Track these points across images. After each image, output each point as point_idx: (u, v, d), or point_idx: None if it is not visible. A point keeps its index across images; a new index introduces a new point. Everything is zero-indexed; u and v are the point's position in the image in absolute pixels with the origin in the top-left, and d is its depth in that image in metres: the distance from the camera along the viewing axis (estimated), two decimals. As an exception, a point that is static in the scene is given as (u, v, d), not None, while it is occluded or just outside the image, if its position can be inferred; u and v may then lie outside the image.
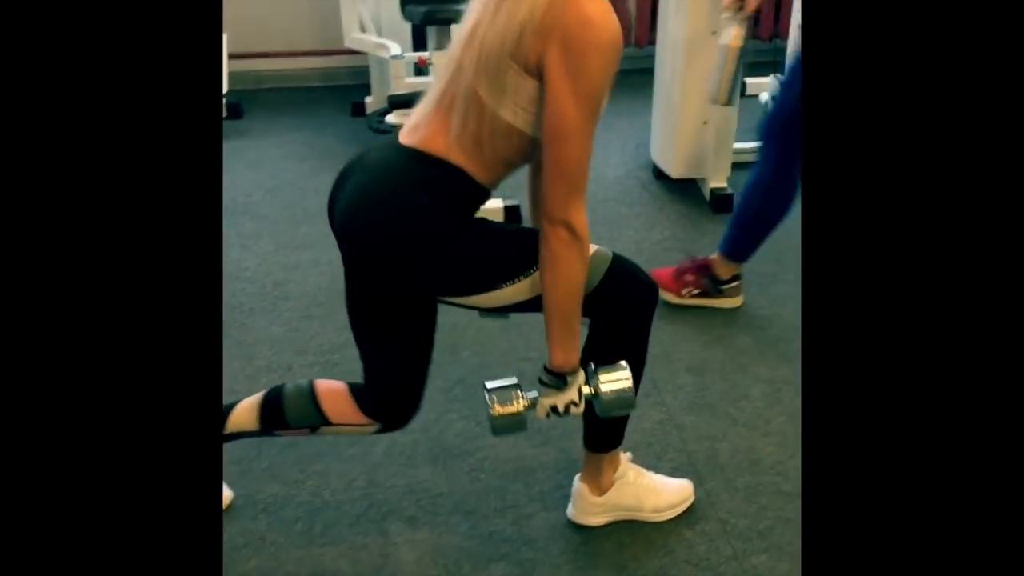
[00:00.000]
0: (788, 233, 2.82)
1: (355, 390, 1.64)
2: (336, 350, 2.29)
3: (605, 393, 1.50)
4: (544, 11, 1.26)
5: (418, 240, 1.39)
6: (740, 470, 1.92)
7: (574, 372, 1.48)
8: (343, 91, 3.68)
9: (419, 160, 1.40)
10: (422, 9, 2.96)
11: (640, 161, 3.39)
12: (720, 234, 2.80)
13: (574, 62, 1.27)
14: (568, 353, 1.46)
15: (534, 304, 1.47)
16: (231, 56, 3.60)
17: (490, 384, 1.54)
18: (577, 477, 1.78)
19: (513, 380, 1.54)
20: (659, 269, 2.47)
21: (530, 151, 1.41)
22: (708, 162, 3.01)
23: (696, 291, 2.43)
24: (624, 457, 1.78)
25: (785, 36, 4.10)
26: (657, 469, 1.87)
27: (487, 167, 1.40)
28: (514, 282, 1.45)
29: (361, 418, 1.62)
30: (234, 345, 2.33)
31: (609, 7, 1.29)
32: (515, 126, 1.35)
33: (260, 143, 3.56)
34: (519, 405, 1.51)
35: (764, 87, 3.60)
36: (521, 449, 1.98)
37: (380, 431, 1.65)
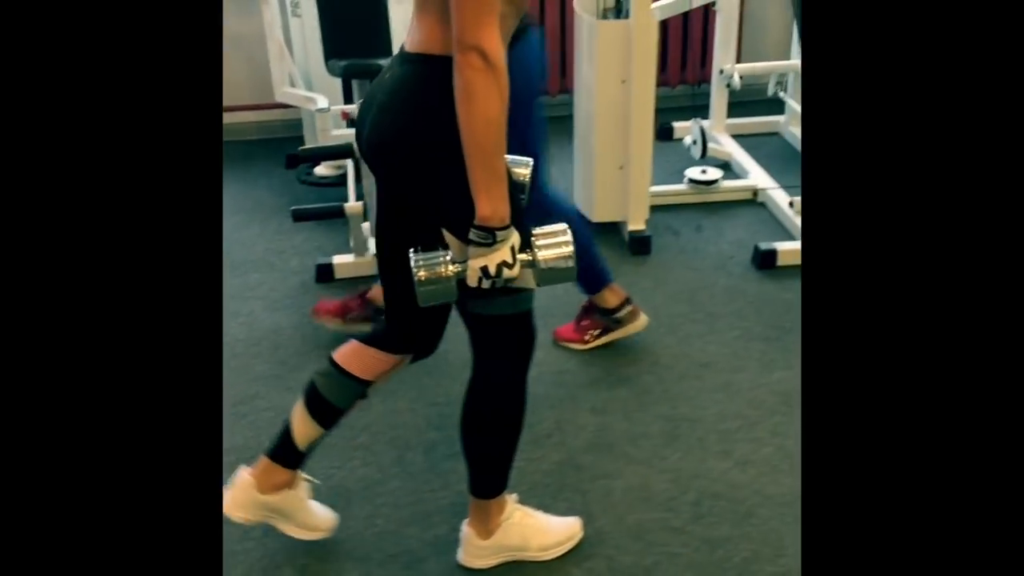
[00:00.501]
0: (700, 274, 2.90)
1: (373, 338, 1.72)
2: (246, 401, 2.32)
3: (543, 259, 1.41)
4: None
5: (433, 139, 1.38)
6: (631, 507, 1.96)
7: (505, 227, 1.37)
8: (278, 143, 3.74)
9: (417, 63, 1.41)
10: (342, 63, 3.04)
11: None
12: (638, 275, 2.87)
13: None
14: (495, 202, 1.35)
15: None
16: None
17: (415, 250, 1.44)
18: (465, 522, 1.82)
19: (441, 248, 1.45)
20: (560, 327, 2.53)
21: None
22: (626, 205, 3.08)
23: (597, 331, 2.48)
24: (511, 499, 1.82)
25: (693, 82, 4.20)
26: (551, 509, 1.90)
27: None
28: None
29: (390, 359, 1.70)
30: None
31: None
32: None
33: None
34: (446, 270, 1.41)
35: (687, 131, 3.70)
36: (420, 494, 2.01)
37: (415, 360, 1.73)
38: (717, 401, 2.30)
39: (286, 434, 1.74)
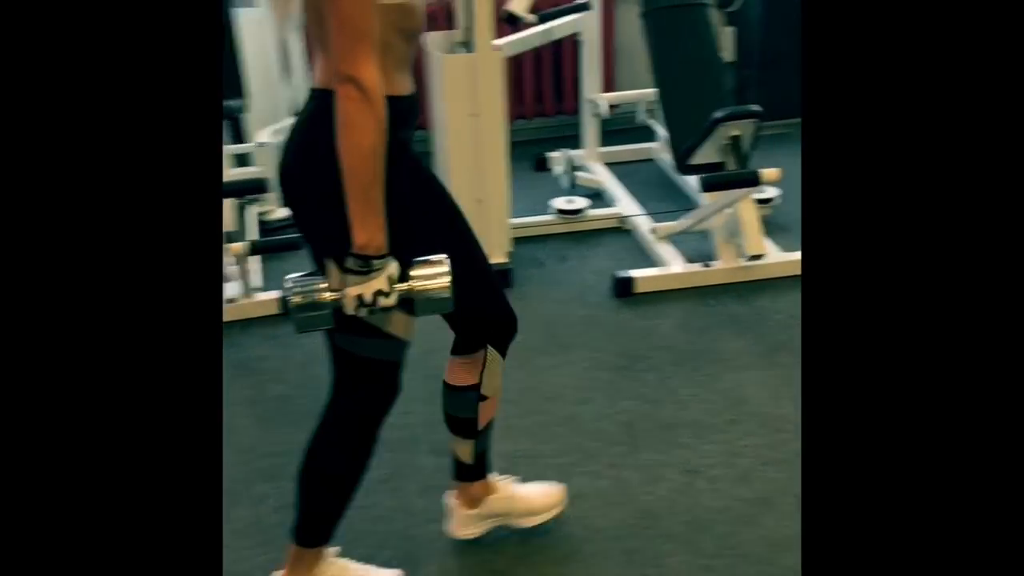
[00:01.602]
0: (559, 304, 2.87)
1: (454, 348, 1.77)
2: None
3: (420, 288, 1.41)
4: None
5: (319, 170, 1.39)
6: (458, 552, 1.91)
7: (381, 256, 1.38)
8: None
9: (314, 98, 1.45)
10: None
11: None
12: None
13: None
14: (371, 232, 1.35)
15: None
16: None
17: (290, 276, 1.43)
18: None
19: (316, 274, 1.44)
20: None
21: (395, 23, 1.38)
22: (486, 239, 3.05)
23: None
24: (330, 553, 1.75)
25: (571, 112, 4.19)
26: (374, 560, 1.84)
27: None
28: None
29: (476, 359, 1.75)
30: None
31: None
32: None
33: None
34: (322, 296, 1.39)
35: (558, 161, 3.70)
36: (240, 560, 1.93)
37: (504, 344, 1.78)
38: (559, 435, 2.26)
39: (454, 457, 1.87)
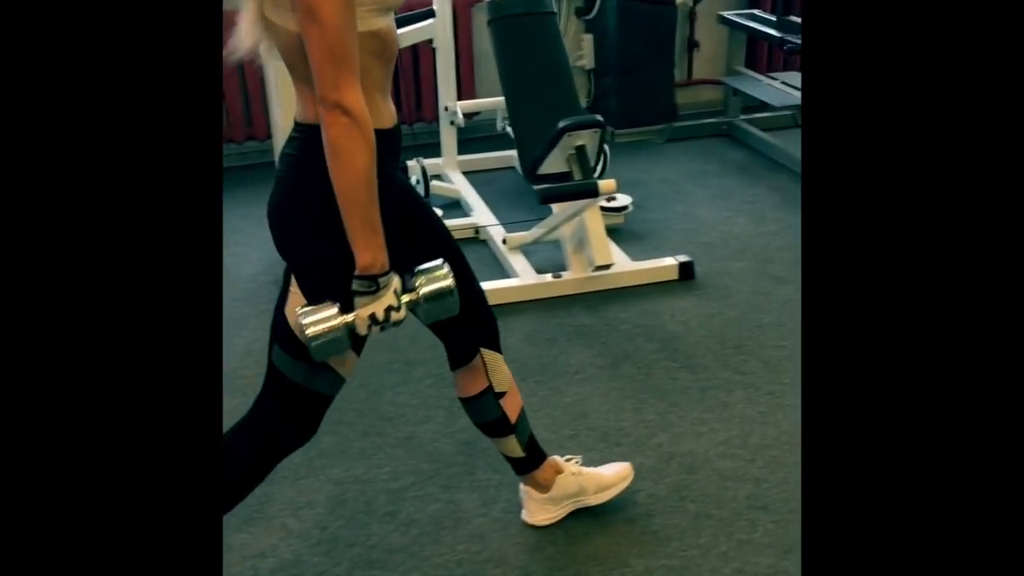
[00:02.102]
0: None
1: (451, 362, 1.77)
2: None
3: (425, 295, 1.45)
4: None
5: (304, 202, 1.44)
6: (276, 588, 1.81)
7: (385, 273, 1.41)
8: None
9: (295, 131, 1.46)
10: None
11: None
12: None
13: None
14: (374, 251, 1.39)
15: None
16: None
17: (302, 307, 1.45)
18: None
19: (329, 301, 1.44)
20: None
21: (373, 50, 1.39)
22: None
23: None
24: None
25: (431, 120, 4.13)
26: None
27: None
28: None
29: (476, 366, 1.74)
30: None
31: None
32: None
33: None
34: (336, 322, 1.41)
35: (413, 170, 3.63)
36: None
37: (496, 343, 1.77)
38: (395, 457, 2.18)
39: (506, 457, 1.89)
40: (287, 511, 2.01)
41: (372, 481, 2.10)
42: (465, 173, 3.78)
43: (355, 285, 1.41)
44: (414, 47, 3.87)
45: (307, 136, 1.42)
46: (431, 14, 3.34)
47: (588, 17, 4.06)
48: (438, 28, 3.40)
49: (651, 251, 3.18)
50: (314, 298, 1.45)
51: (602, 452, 2.18)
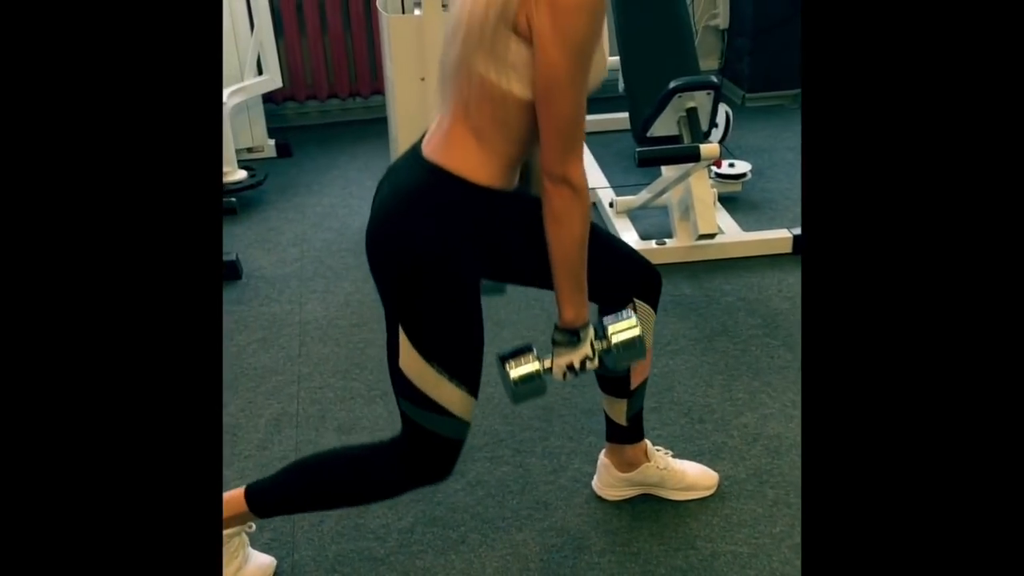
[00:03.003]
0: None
1: (602, 312, 1.68)
2: None
3: (616, 344, 1.51)
4: None
5: (423, 264, 1.43)
6: (338, 538, 1.83)
7: (585, 326, 1.50)
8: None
9: (437, 174, 1.43)
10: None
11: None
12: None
13: (562, 19, 1.29)
14: (578, 308, 1.48)
15: (406, 386, 1.50)
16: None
17: (503, 352, 1.53)
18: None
19: (526, 344, 1.54)
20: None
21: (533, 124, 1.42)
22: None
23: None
24: (243, 536, 1.72)
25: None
26: (255, 539, 1.77)
27: (503, 156, 1.42)
28: (429, 364, 1.46)
29: None
30: None
31: None
32: (520, 96, 1.36)
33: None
34: (536, 367, 1.50)
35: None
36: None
37: (653, 297, 1.71)
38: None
39: (607, 417, 1.85)
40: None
41: (446, 439, 2.10)
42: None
43: (556, 336, 1.51)
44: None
45: (444, 183, 1.42)
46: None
47: (723, -26, 3.88)
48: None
49: (766, 222, 3.03)
50: (426, 340, 1.46)
51: (683, 428, 2.10)
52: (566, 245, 1.42)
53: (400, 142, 2.87)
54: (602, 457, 1.91)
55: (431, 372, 1.47)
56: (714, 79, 2.59)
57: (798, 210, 3.12)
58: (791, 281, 2.70)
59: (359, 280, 2.82)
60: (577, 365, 1.51)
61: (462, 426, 1.54)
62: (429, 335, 1.47)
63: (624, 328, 1.52)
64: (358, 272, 2.86)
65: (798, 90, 4.09)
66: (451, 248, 1.43)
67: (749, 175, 3.21)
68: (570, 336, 1.49)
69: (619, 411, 1.80)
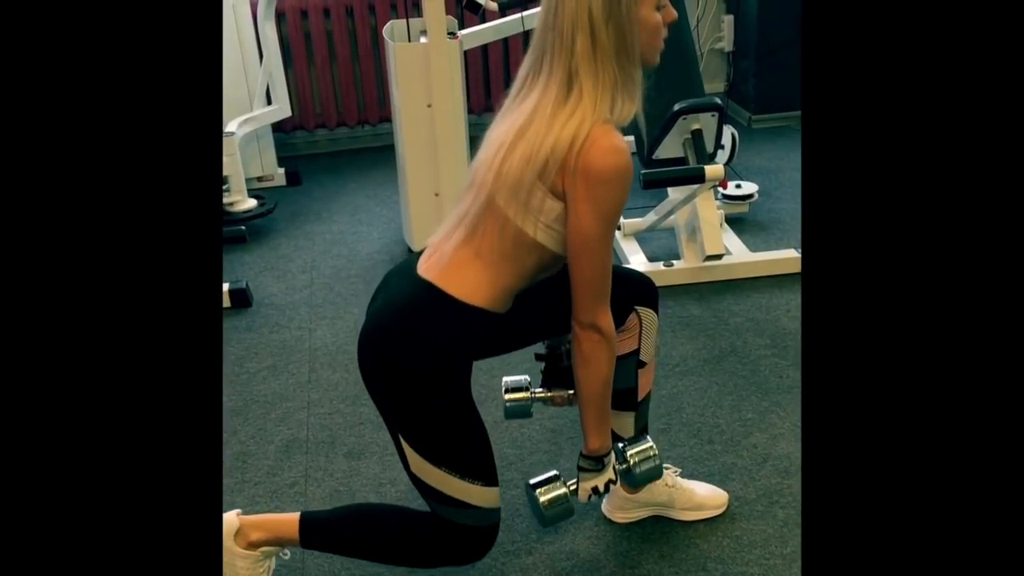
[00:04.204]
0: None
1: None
2: None
3: (637, 464, 1.66)
4: (566, 147, 1.39)
5: (414, 382, 1.48)
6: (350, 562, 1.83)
7: (609, 453, 1.62)
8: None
9: (430, 293, 1.48)
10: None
11: (398, 236, 3.35)
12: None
13: (597, 190, 1.40)
14: (603, 438, 1.59)
15: (428, 489, 1.54)
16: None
17: (533, 480, 1.64)
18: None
19: (553, 472, 1.66)
20: None
21: (549, 264, 1.51)
22: (444, 233, 2.97)
23: None
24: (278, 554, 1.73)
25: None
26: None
27: (502, 287, 1.49)
28: (439, 468, 1.51)
29: (631, 327, 1.74)
30: None
31: (620, 137, 1.42)
32: (539, 242, 1.45)
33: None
34: (564, 491, 1.62)
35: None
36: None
37: (653, 302, 1.75)
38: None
39: (613, 435, 1.83)
40: (370, 487, 2.04)
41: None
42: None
43: (582, 463, 1.62)
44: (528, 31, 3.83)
45: (436, 300, 1.47)
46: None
47: (728, -3, 3.91)
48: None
49: (773, 242, 3.03)
50: (430, 448, 1.50)
51: (692, 449, 2.09)
52: (593, 384, 1.53)
53: (408, 169, 2.89)
54: None
55: (443, 475, 1.51)
56: (717, 101, 2.61)
57: (806, 230, 3.12)
58: (799, 301, 2.70)
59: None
60: (602, 488, 1.63)
61: (491, 513, 1.57)
62: (430, 444, 1.51)
63: (642, 451, 1.67)
64: (367, 298, 2.87)
65: (804, 111, 4.10)
66: (443, 366, 1.48)
67: (756, 196, 3.22)
68: (595, 463, 1.61)
69: (627, 425, 1.80)
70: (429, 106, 2.80)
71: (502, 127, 1.48)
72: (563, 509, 1.62)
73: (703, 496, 1.90)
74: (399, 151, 3.05)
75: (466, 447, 1.53)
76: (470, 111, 3.81)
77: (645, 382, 1.78)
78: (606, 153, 1.38)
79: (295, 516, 1.64)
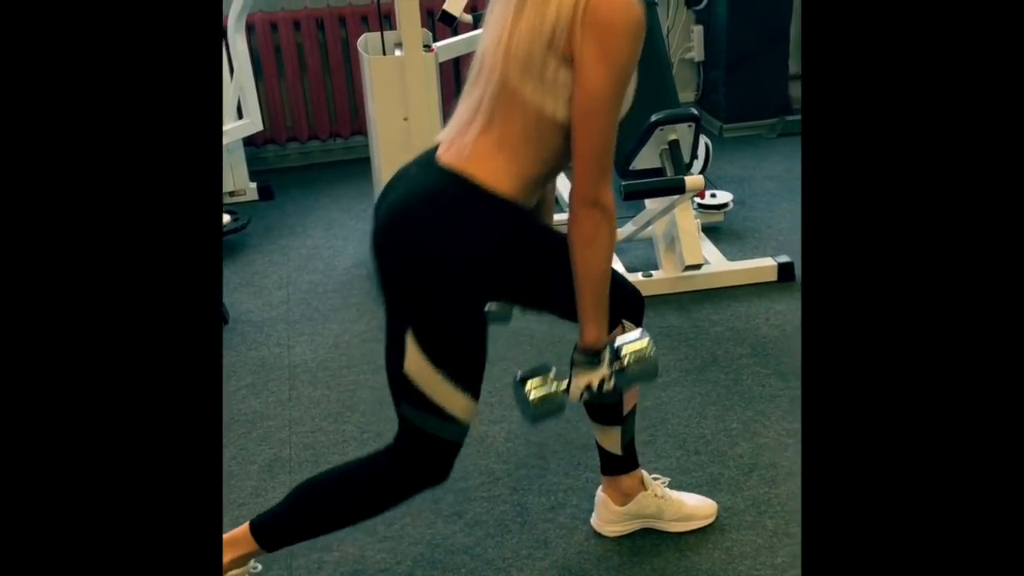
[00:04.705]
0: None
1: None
2: None
3: (630, 361, 1.51)
4: (571, 9, 1.34)
5: (440, 272, 1.44)
6: (337, 583, 1.81)
7: (605, 347, 1.52)
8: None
9: (458, 182, 1.43)
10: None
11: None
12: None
13: (607, 41, 1.34)
14: (600, 329, 1.50)
15: (413, 394, 1.49)
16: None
17: (522, 373, 1.53)
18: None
19: (544, 363, 1.56)
20: None
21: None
22: (421, 247, 2.95)
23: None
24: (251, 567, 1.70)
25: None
26: None
27: (528, 175, 1.44)
28: (437, 370, 1.46)
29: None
30: None
31: None
32: (560, 121, 1.39)
33: None
34: (556, 387, 1.52)
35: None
36: None
37: (638, 317, 1.70)
38: (465, 456, 2.14)
39: (601, 450, 1.84)
40: (356, 505, 2.02)
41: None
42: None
43: (577, 357, 1.52)
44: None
45: (464, 188, 1.42)
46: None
47: (698, 7, 3.93)
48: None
49: (750, 251, 3.05)
50: (437, 347, 1.46)
51: (679, 460, 2.09)
52: (592, 267, 1.44)
53: (384, 178, 2.87)
54: (599, 493, 1.89)
55: (437, 378, 1.47)
56: (694, 111, 2.63)
57: (781, 238, 3.14)
58: (778, 309, 2.72)
59: (347, 321, 2.81)
60: (595, 386, 1.52)
61: (463, 429, 1.54)
62: (441, 343, 1.47)
63: (639, 351, 1.53)
64: (346, 313, 2.85)
65: (774, 120, 4.14)
66: (471, 255, 1.44)
67: (731, 205, 3.24)
68: (591, 357, 1.51)
69: (613, 440, 1.80)
70: (405, 119, 2.79)
71: (499, 7, 1.42)
72: (554, 406, 1.53)
73: (692, 507, 1.90)
74: (375, 164, 3.03)
75: (471, 355, 1.50)
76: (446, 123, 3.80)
77: (630, 397, 1.78)
78: (615, 2, 1.34)
79: (243, 528, 1.61)
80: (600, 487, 1.89)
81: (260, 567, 1.69)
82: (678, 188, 2.51)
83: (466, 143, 1.44)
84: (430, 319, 1.46)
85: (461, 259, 1.44)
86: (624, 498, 1.86)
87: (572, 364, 1.54)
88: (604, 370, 1.52)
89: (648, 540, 1.87)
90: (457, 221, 1.43)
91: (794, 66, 4.20)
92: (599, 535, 1.89)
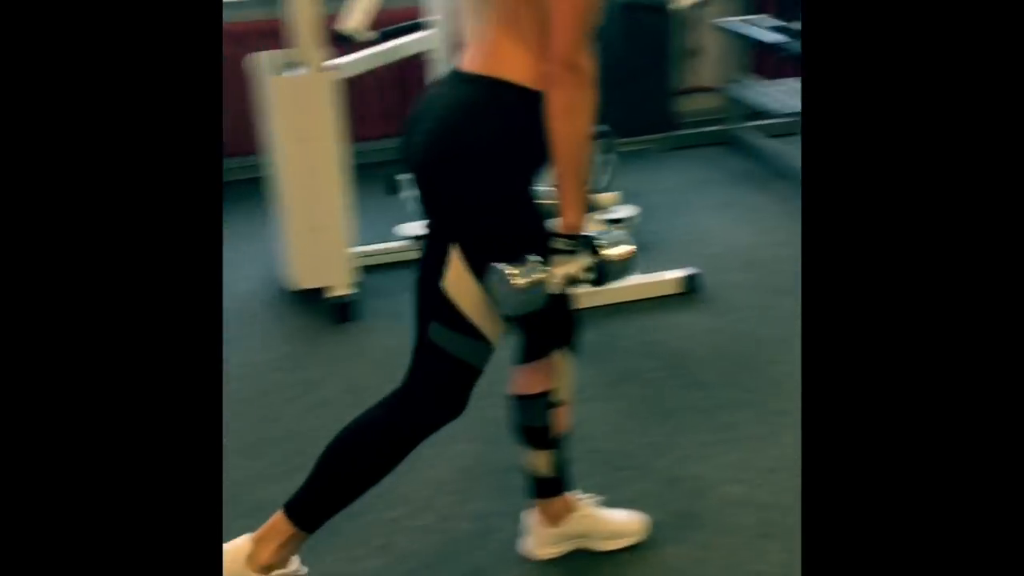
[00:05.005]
0: (407, 338, 2.69)
1: (523, 357, 1.69)
2: None
3: (609, 259, 1.47)
4: None
5: (483, 173, 1.43)
6: None
7: (584, 234, 1.49)
8: None
9: (490, 86, 1.42)
10: None
11: (273, 273, 3.22)
12: (339, 345, 2.66)
13: None
14: (581, 212, 1.46)
15: (454, 318, 1.49)
16: None
17: (498, 265, 1.44)
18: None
19: (523, 256, 1.47)
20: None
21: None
22: (323, 270, 2.88)
23: None
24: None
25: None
26: None
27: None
28: (479, 283, 1.46)
29: (545, 364, 1.68)
30: None
31: None
32: None
33: None
34: (541, 276, 1.43)
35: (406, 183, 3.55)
36: None
37: (572, 343, 1.68)
38: (386, 485, 2.09)
39: (531, 473, 1.81)
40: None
41: (363, 513, 2.00)
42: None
43: (559, 244, 1.46)
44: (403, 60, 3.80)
45: (499, 89, 1.42)
46: (417, 27, 3.25)
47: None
48: (438, 39, 3.32)
49: (655, 264, 3.11)
50: (483, 257, 1.45)
51: (606, 477, 2.10)
52: (572, 141, 1.39)
53: (289, 200, 2.79)
54: (530, 516, 1.88)
55: (478, 295, 1.48)
56: (606, 127, 2.65)
57: (684, 251, 3.21)
58: (685, 321, 2.78)
59: (252, 349, 2.71)
60: (577, 274, 1.48)
61: (488, 352, 1.55)
62: (488, 250, 1.46)
63: (616, 244, 1.51)
64: (247, 341, 2.75)
65: (664, 135, 4.24)
66: (515, 155, 1.44)
67: (637, 218, 3.29)
68: (573, 243, 1.47)
69: (544, 463, 1.79)
70: (306, 140, 2.71)
71: None
72: (537, 296, 1.43)
73: (619, 524, 1.91)
74: (277, 184, 2.94)
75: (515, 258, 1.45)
76: (356, 139, 3.71)
77: (562, 420, 1.77)
78: None
79: (278, 514, 1.60)
80: (530, 510, 1.88)
81: (306, 571, 1.67)
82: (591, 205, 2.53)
83: (487, 46, 1.45)
84: (479, 226, 1.47)
85: (508, 155, 1.44)
86: (556, 520, 1.85)
87: (552, 254, 1.46)
88: (584, 259, 1.48)
89: (582, 561, 1.86)
90: (496, 120, 1.43)
91: (679, 82, 4.32)
92: (533, 559, 1.87)
